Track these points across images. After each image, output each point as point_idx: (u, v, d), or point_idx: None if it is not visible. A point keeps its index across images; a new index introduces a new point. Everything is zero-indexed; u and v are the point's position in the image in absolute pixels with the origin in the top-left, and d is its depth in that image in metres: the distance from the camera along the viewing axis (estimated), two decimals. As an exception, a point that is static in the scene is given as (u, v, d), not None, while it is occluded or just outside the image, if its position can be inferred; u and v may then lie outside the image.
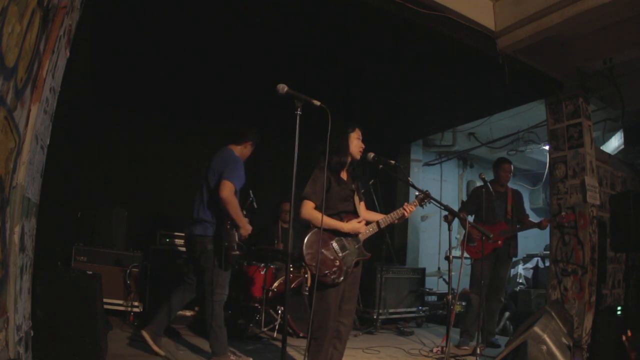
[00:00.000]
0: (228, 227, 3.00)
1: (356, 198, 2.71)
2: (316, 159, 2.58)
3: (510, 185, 4.62)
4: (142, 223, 5.04)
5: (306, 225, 2.53)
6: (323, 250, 2.45)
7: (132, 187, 5.13)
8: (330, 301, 2.46)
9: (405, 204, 2.68)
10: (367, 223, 2.65)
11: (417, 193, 2.79)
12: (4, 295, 1.63)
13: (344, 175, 2.68)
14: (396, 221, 2.68)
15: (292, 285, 4.21)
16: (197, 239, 3.10)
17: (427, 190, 2.75)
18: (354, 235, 2.58)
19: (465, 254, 4.12)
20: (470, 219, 4.34)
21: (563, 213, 4.17)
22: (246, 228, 3.10)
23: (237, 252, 3.06)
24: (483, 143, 7.39)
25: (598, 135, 5.55)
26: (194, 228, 3.14)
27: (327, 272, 2.43)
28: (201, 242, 3.09)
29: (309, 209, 2.47)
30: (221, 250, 3.00)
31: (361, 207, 2.76)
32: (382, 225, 2.65)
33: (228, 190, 2.96)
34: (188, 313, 4.33)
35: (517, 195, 4.50)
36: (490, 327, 4.34)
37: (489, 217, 4.18)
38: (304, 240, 2.45)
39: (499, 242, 4.14)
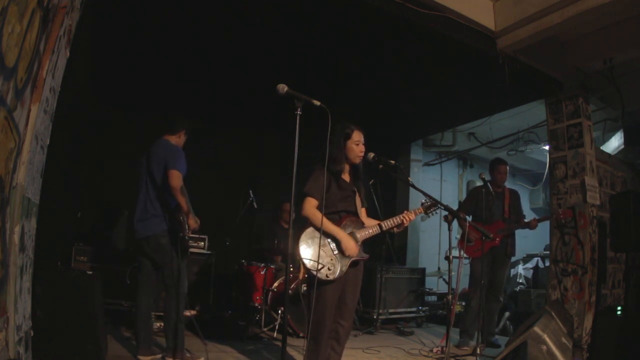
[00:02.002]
0: (181, 218, 2.98)
1: (357, 199, 2.71)
2: (317, 160, 2.58)
3: (510, 185, 4.62)
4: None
5: (305, 223, 2.52)
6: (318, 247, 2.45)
7: (132, 187, 5.13)
8: (327, 299, 2.46)
9: (405, 212, 2.66)
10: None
11: (423, 200, 2.77)
12: (4, 295, 1.63)
13: (345, 176, 2.68)
14: (395, 229, 2.67)
15: (292, 286, 4.21)
16: (151, 236, 3.03)
17: (431, 201, 2.75)
18: (353, 234, 2.57)
19: (465, 254, 4.12)
20: (469, 219, 4.34)
21: (560, 210, 4.16)
22: (195, 219, 3.05)
23: (190, 242, 3.04)
24: (483, 143, 7.39)
25: (598, 135, 5.55)
26: (145, 225, 3.06)
27: (320, 268, 2.42)
28: (154, 238, 3.03)
29: (311, 207, 2.47)
30: (177, 241, 2.98)
31: (362, 213, 2.75)
32: (384, 228, 2.65)
33: (178, 180, 2.94)
34: (188, 313, 4.33)
35: (515, 195, 4.50)
36: (490, 327, 4.34)
37: (486, 217, 4.18)
38: (299, 236, 2.45)
39: (497, 240, 4.14)
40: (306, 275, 2.51)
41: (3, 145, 1.48)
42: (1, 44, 1.33)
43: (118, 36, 4.08)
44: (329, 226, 2.48)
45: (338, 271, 2.47)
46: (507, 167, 4.48)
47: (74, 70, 2.49)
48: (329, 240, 2.51)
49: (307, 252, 2.42)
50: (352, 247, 2.50)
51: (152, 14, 3.78)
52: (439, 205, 2.81)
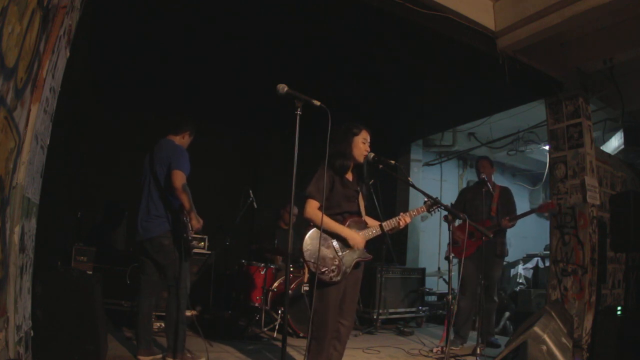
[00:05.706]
0: (184, 219, 2.96)
1: (361, 199, 2.71)
2: (321, 159, 2.57)
3: (510, 185, 4.60)
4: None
5: (307, 225, 2.52)
6: (323, 248, 2.45)
7: (132, 187, 5.13)
8: (330, 300, 2.47)
9: (402, 214, 2.67)
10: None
11: (425, 199, 2.76)
12: (4, 295, 1.63)
13: (349, 175, 2.69)
14: (390, 231, 2.68)
15: (292, 286, 4.21)
16: (154, 237, 3.01)
17: (436, 198, 2.75)
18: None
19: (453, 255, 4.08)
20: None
21: (542, 202, 4.09)
22: (198, 219, 3.02)
23: (194, 242, 3.03)
24: (483, 143, 7.39)
25: (598, 135, 5.55)
26: (148, 226, 3.04)
27: (325, 269, 2.43)
28: (157, 239, 3.01)
29: (313, 209, 2.47)
30: (180, 242, 2.96)
31: (364, 213, 2.75)
32: (385, 229, 2.66)
33: (181, 180, 2.93)
34: (188, 313, 4.32)
35: (505, 193, 4.43)
36: (488, 327, 4.32)
37: (471, 214, 4.12)
38: (304, 237, 2.45)
39: (482, 239, 4.08)
40: (308, 276, 2.51)
41: (3, 145, 1.48)
42: (1, 44, 1.33)
43: (118, 36, 4.08)
44: (332, 225, 2.49)
45: (342, 273, 2.48)
46: (489, 161, 4.41)
47: (74, 70, 2.49)
48: (334, 240, 2.51)
49: (312, 254, 2.41)
50: (359, 241, 2.53)
51: (152, 14, 3.79)
52: (440, 205, 2.82)
